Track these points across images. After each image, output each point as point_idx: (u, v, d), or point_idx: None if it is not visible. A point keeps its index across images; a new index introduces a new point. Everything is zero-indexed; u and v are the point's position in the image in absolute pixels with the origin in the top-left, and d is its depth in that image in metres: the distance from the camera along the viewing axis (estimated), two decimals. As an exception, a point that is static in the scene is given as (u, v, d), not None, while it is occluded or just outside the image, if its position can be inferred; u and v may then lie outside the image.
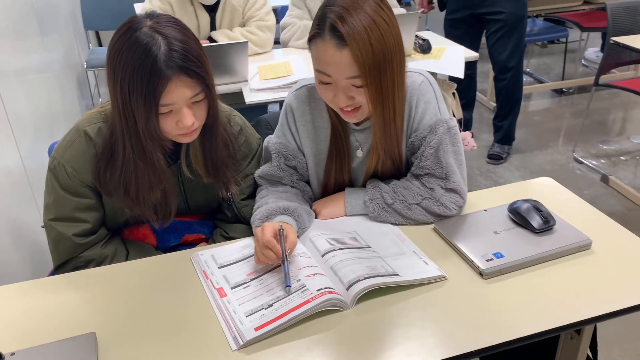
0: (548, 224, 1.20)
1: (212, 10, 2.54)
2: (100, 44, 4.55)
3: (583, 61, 4.76)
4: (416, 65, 1.32)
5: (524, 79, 3.28)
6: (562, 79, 4.38)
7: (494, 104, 3.48)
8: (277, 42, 2.78)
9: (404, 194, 1.28)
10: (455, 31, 3.13)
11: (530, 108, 4.05)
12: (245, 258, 1.20)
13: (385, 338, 0.97)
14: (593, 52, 4.77)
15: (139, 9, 2.94)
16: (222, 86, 2.19)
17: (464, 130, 3.33)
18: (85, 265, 1.25)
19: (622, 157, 3.28)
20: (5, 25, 2.15)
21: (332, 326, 1.01)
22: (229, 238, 1.36)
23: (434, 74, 1.32)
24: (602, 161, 3.24)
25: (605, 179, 3.02)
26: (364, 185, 1.34)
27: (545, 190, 1.41)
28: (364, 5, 1.09)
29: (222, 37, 2.53)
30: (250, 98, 2.12)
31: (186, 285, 1.13)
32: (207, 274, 1.15)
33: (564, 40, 4.53)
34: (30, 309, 1.09)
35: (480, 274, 1.11)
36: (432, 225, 1.28)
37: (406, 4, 5.32)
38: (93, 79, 3.87)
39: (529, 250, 1.15)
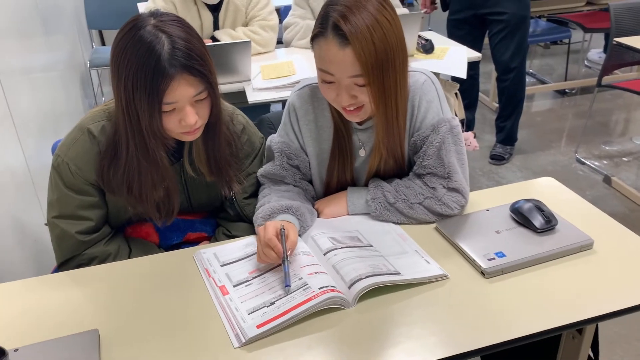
0: (550, 223, 1.21)
1: (215, 9, 2.54)
2: (103, 44, 4.56)
3: (586, 62, 4.76)
4: (419, 65, 1.32)
5: (527, 79, 3.28)
6: (565, 80, 4.37)
7: (497, 105, 3.48)
8: (279, 41, 2.78)
9: (406, 193, 1.28)
10: (458, 31, 3.13)
11: (532, 109, 4.05)
12: (248, 256, 1.20)
13: (386, 336, 0.98)
14: (596, 53, 4.77)
15: (143, 8, 2.95)
16: (225, 85, 2.19)
17: (467, 130, 3.33)
18: (88, 262, 1.26)
19: (624, 158, 3.27)
20: (10, 24, 2.16)
21: (334, 324, 1.01)
22: (232, 236, 1.36)
23: (436, 74, 1.33)
24: (605, 162, 3.24)
25: (607, 179, 3.01)
26: (366, 185, 1.34)
27: (547, 190, 1.41)
28: (367, 5, 1.10)
29: (225, 36, 2.53)
30: (252, 97, 2.12)
31: (188, 283, 1.14)
32: (209, 272, 1.15)
33: (566, 41, 4.52)
34: (33, 305, 1.09)
35: (482, 273, 1.12)
36: (434, 225, 1.28)
37: (409, 4, 5.32)
38: (96, 78, 3.89)
39: (530, 250, 1.15)
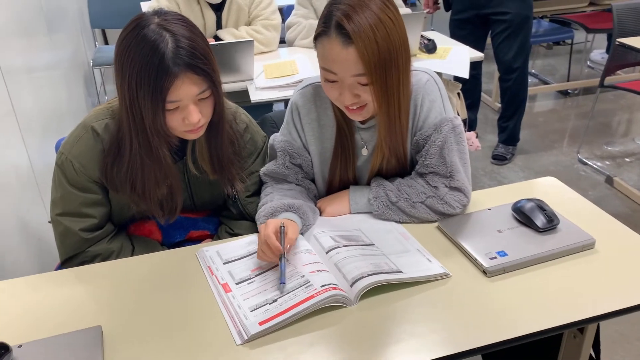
0: (552, 223, 1.21)
1: (218, 8, 2.55)
2: (106, 42, 4.57)
3: (588, 62, 4.75)
4: (421, 65, 1.32)
5: (529, 80, 3.28)
6: (568, 80, 4.37)
7: (499, 105, 3.48)
8: (282, 41, 2.79)
9: (408, 192, 1.28)
10: (461, 31, 3.13)
11: (535, 109, 4.05)
12: (250, 254, 1.20)
13: (388, 334, 0.98)
14: (598, 53, 4.76)
15: (146, 7, 2.95)
16: (228, 84, 2.20)
17: (469, 130, 3.33)
18: (92, 260, 1.27)
19: (626, 159, 3.27)
20: (14, 24, 2.17)
21: (336, 322, 1.01)
22: (234, 234, 1.37)
23: (439, 74, 1.33)
24: (607, 162, 3.23)
25: (609, 180, 3.01)
26: (368, 184, 1.35)
27: (549, 190, 1.41)
28: (370, 4, 1.10)
29: (228, 35, 2.54)
30: (255, 96, 2.13)
31: (191, 280, 1.14)
32: (212, 270, 1.16)
33: (569, 41, 4.51)
34: (36, 302, 1.10)
35: (484, 272, 1.12)
36: (436, 224, 1.28)
37: (411, 4, 5.32)
38: (99, 77, 3.89)
39: (532, 249, 1.15)
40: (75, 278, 1.17)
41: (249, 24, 2.64)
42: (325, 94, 1.24)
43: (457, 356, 0.95)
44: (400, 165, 1.34)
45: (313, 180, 1.40)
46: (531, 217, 1.22)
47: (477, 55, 2.55)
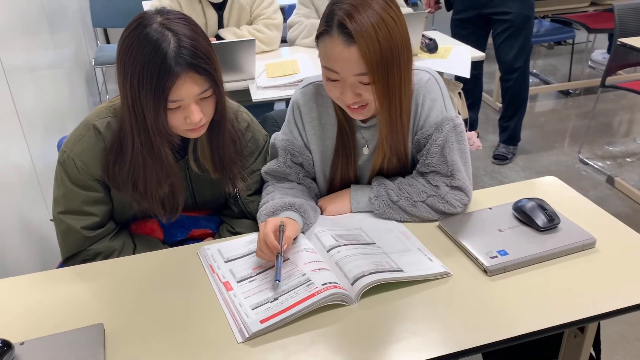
0: (552, 222, 1.21)
1: (219, 8, 2.55)
2: (108, 42, 4.57)
3: (590, 62, 4.75)
4: (422, 64, 1.32)
5: (530, 79, 3.28)
6: (569, 80, 4.37)
7: (500, 105, 3.48)
8: (284, 40, 2.79)
9: (409, 191, 1.28)
10: (462, 31, 3.13)
11: (536, 109, 4.05)
12: (251, 253, 1.21)
13: (389, 333, 0.98)
14: (600, 53, 4.76)
15: (147, 6, 2.96)
16: (229, 83, 2.20)
17: (470, 130, 3.33)
18: (93, 258, 1.27)
19: (627, 159, 3.27)
20: (16, 23, 2.17)
21: (337, 320, 1.02)
22: (235, 233, 1.37)
23: (440, 74, 1.33)
24: (608, 162, 3.23)
25: (610, 180, 3.01)
26: (369, 183, 1.35)
27: (550, 190, 1.41)
28: (372, 3, 1.10)
29: (229, 34, 2.54)
30: (257, 95, 2.13)
31: (193, 278, 1.15)
32: (213, 268, 1.16)
33: (570, 41, 4.51)
34: (39, 300, 1.10)
35: (485, 271, 1.12)
36: (437, 223, 1.29)
37: (413, 3, 5.32)
38: (101, 76, 3.90)
39: (533, 248, 1.16)
40: (77, 276, 1.18)
41: (250, 23, 2.64)
42: (326, 93, 1.24)
43: (457, 355, 0.95)
44: (402, 164, 1.34)
45: (314, 179, 1.41)
46: (532, 216, 1.22)
47: (479, 55, 2.55)
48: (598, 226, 1.23)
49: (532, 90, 3.67)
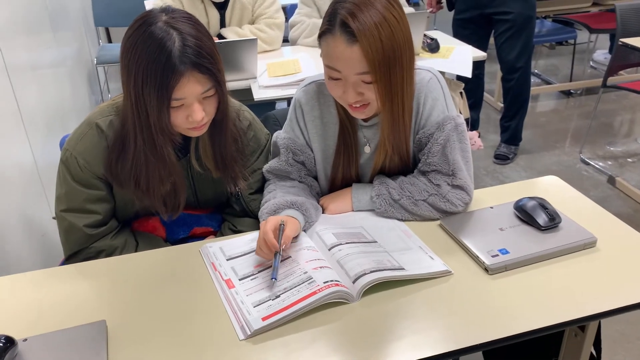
0: (554, 221, 1.21)
1: (221, 7, 2.56)
2: (110, 41, 4.58)
3: (591, 63, 4.75)
4: (424, 64, 1.32)
5: (532, 79, 3.28)
6: (570, 81, 4.37)
7: (501, 105, 3.48)
8: (285, 40, 2.79)
9: (410, 190, 1.29)
10: (464, 31, 3.13)
11: (537, 109, 4.05)
12: (253, 251, 1.21)
13: (390, 331, 0.99)
14: (601, 53, 4.76)
15: (149, 5, 2.96)
16: (231, 82, 2.20)
17: (471, 130, 3.33)
18: (96, 255, 1.27)
19: (629, 159, 3.27)
20: (19, 21, 2.18)
21: (338, 318, 1.02)
22: (237, 231, 1.38)
23: (442, 73, 1.33)
24: (609, 163, 3.23)
25: (612, 180, 3.01)
26: (371, 181, 1.35)
27: (552, 189, 1.42)
28: (375, 3, 1.11)
29: (231, 34, 2.54)
30: (258, 95, 2.13)
31: (195, 276, 1.15)
32: (215, 266, 1.17)
33: (572, 41, 4.52)
34: (41, 297, 1.11)
35: (486, 269, 1.12)
36: (438, 222, 1.29)
37: (414, 3, 5.32)
38: (103, 75, 3.91)
39: (534, 247, 1.16)
40: (80, 273, 1.18)
41: (252, 22, 2.65)
42: (328, 92, 1.24)
43: (458, 352, 0.95)
44: (403, 163, 1.34)
45: (316, 178, 1.41)
46: (533, 215, 1.22)
47: (480, 54, 2.56)
48: (599, 225, 1.23)
49: (533, 90, 3.67)
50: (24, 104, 2.00)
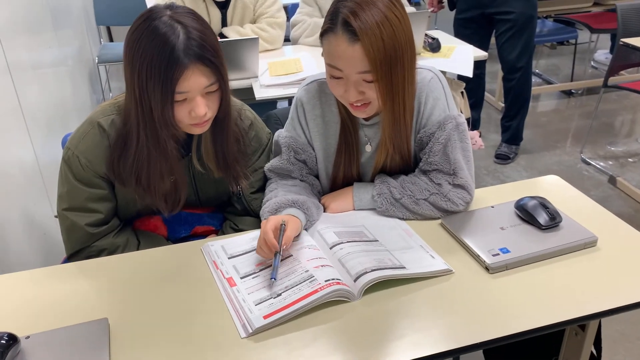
0: (554, 220, 1.22)
1: (223, 6, 2.56)
2: (111, 40, 4.59)
3: (592, 63, 4.75)
4: (425, 63, 1.33)
5: (533, 79, 3.28)
6: (571, 80, 4.37)
7: (502, 104, 3.48)
8: (287, 39, 2.80)
9: (411, 189, 1.29)
10: (465, 30, 3.13)
11: (538, 109, 4.05)
12: (254, 249, 1.21)
13: (391, 329, 0.99)
14: (602, 53, 4.76)
15: (151, 4, 2.96)
16: (233, 82, 2.20)
17: (472, 129, 3.33)
18: (98, 254, 1.28)
19: (630, 159, 3.27)
20: (20, 20, 2.18)
21: (339, 316, 1.02)
22: (239, 230, 1.38)
23: (443, 73, 1.34)
24: (610, 162, 3.24)
25: (612, 180, 3.01)
26: (372, 180, 1.35)
27: (552, 188, 1.42)
28: (377, 2, 1.11)
29: (232, 33, 2.55)
30: (260, 94, 2.14)
31: (196, 274, 1.15)
32: (217, 264, 1.17)
33: (573, 41, 4.52)
34: (44, 295, 1.11)
35: (486, 268, 1.13)
36: (439, 221, 1.29)
37: (416, 3, 5.32)
38: (104, 74, 3.91)
39: (534, 246, 1.16)
40: (82, 272, 1.18)
41: (254, 21, 2.65)
42: (329, 91, 1.25)
43: (459, 351, 0.96)
44: (404, 162, 1.35)
45: (317, 177, 1.41)
46: (534, 214, 1.23)
47: (481, 54, 2.56)
48: (600, 225, 1.24)
49: (534, 90, 3.67)
50: (25, 103, 2.00)
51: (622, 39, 2.83)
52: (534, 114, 3.89)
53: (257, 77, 2.27)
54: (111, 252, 1.29)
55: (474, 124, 3.41)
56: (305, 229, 1.26)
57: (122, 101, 1.24)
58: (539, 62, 4.86)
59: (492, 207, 1.31)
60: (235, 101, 1.35)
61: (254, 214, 1.40)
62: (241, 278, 1.12)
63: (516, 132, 3.31)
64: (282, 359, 0.94)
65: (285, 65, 2.35)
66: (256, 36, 2.35)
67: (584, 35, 4.52)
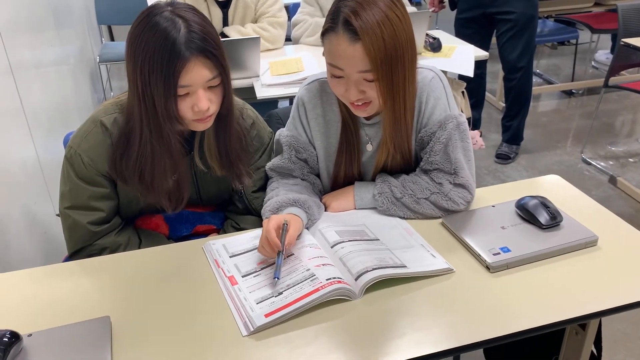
0: (555, 220, 1.22)
1: (224, 6, 2.56)
2: (112, 39, 4.59)
3: (593, 63, 4.75)
4: (426, 63, 1.33)
5: (534, 79, 3.28)
6: (572, 80, 4.37)
7: (503, 104, 3.48)
8: (288, 38, 2.80)
9: (412, 188, 1.29)
10: (466, 30, 3.14)
11: (539, 109, 4.05)
12: (256, 248, 1.21)
13: (392, 328, 0.99)
14: (603, 53, 4.76)
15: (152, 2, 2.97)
16: (234, 81, 2.18)
17: (473, 129, 3.33)
18: (99, 252, 1.28)
19: (630, 159, 3.27)
20: (22, 19, 2.18)
21: (340, 315, 1.03)
22: (240, 229, 1.38)
23: (444, 72, 1.34)
24: (611, 162, 3.24)
25: (613, 180, 3.02)
26: (373, 179, 1.36)
27: (553, 188, 1.42)
28: (378, 1, 1.11)
29: (234, 32, 2.55)
30: (261, 93, 2.14)
31: (198, 273, 1.16)
32: (218, 263, 1.17)
33: (574, 41, 4.52)
34: (46, 293, 1.11)
35: (487, 267, 1.13)
36: (440, 220, 1.29)
37: (417, 3, 5.32)
38: (105, 73, 3.92)
39: (535, 246, 1.16)
40: (83, 270, 1.19)
41: (255, 21, 2.66)
42: (331, 90, 1.25)
43: (459, 350, 0.96)
44: (405, 161, 1.35)
45: (318, 176, 1.42)
46: (535, 214, 1.23)
47: (482, 54, 2.56)
48: (600, 224, 1.24)
49: (535, 90, 3.68)
50: (27, 102, 2.01)
51: (622, 39, 2.83)
52: (534, 113, 3.89)
53: (258, 76, 2.27)
54: (113, 250, 1.29)
55: (474, 123, 3.41)
56: (307, 228, 1.27)
57: (124, 100, 1.24)
58: (540, 62, 4.86)
59: (493, 206, 1.31)
60: (237, 100, 1.36)
61: (255, 212, 1.40)
62: (242, 276, 1.12)
63: (517, 132, 3.31)
64: (284, 357, 0.94)
65: (287, 64, 2.36)
66: (257, 36, 2.35)
67: (584, 35, 4.52)
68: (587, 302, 1.04)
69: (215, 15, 2.56)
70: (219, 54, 1.13)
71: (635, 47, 2.76)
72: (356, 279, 1.08)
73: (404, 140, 1.30)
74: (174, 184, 1.26)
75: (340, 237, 1.21)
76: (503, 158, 3.29)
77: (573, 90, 4.26)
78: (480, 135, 3.22)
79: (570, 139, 3.56)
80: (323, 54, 1.21)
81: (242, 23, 2.62)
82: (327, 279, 1.06)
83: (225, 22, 2.60)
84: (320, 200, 1.36)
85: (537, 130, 3.67)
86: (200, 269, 1.17)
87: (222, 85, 1.18)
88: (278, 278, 1.08)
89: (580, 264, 1.14)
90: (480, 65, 3.12)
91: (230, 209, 1.45)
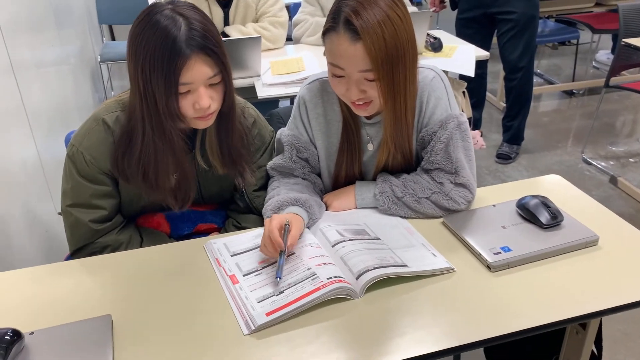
0: (556, 219, 1.22)
1: (225, 5, 2.57)
2: (113, 38, 4.59)
3: (594, 63, 4.75)
4: (427, 63, 1.33)
5: (534, 79, 3.28)
6: (573, 81, 4.37)
7: (504, 104, 3.48)
8: (289, 38, 2.80)
9: (413, 187, 1.29)
10: (467, 30, 3.14)
11: (540, 109, 4.05)
12: (257, 247, 1.21)
13: (393, 327, 0.99)
14: (604, 54, 4.76)
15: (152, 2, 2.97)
16: (235, 80, 2.18)
17: (473, 129, 3.34)
18: (101, 251, 1.28)
19: (631, 159, 3.27)
20: (24, 19, 2.18)
21: (341, 314, 1.03)
22: (241, 228, 1.39)
23: (444, 72, 1.34)
24: (611, 163, 3.24)
25: (613, 180, 3.02)
26: (374, 179, 1.36)
27: (554, 188, 1.42)
28: (379, 1, 1.11)
29: (235, 32, 2.55)
30: (262, 92, 2.14)
31: (199, 272, 1.16)
32: (219, 262, 1.17)
33: (575, 41, 4.52)
34: (47, 291, 1.12)
35: (488, 267, 1.13)
36: (441, 219, 1.30)
37: (417, 2, 5.32)
38: (106, 73, 3.92)
39: (536, 245, 1.17)
40: (85, 268, 1.19)
41: (256, 20, 2.66)
42: (332, 89, 1.25)
43: (460, 349, 0.96)
44: (406, 161, 1.35)
45: (319, 175, 1.42)
46: (535, 213, 1.23)
47: (483, 54, 2.56)
48: (601, 224, 1.24)
49: (536, 90, 3.68)
50: (28, 101, 2.01)
51: (623, 39, 2.83)
52: (535, 113, 3.90)
53: (259, 76, 2.27)
54: (114, 248, 1.29)
55: (475, 123, 3.41)
56: (308, 227, 1.27)
57: (126, 98, 1.24)
58: (541, 62, 4.86)
59: (494, 206, 1.32)
60: (239, 99, 1.36)
61: (256, 211, 1.41)
62: (244, 275, 1.12)
63: (517, 132, 3.31)
64: (285, 355, 0.94)
65: (288, 64, 2.36)
66: (258, 35, 2.36)
67: (585, 35, 4.53)
68: (588, 301, 1.04)
69: (216, 14, 2.56)
70: (220, 52, 1.14)
71: (636, 47, 2.76)
72: (357, 278, 1.08)
73: (404, 139, 1.30)
74: (178, 181, 1.26)
75: (341, 236, 1.21)
76: (504, 158, 3.29)
77: (574, 91, 4.26)
78: (481, 135, 3.23)
79: (571, 139, 3.56)
80: (324, 54, 1.21)
81: (243, 22, 2.63)
82: (328, 278, 1.06)
83: (226, 22, 2.60)
84: (321, 200, 1.36)
85: (538, 130, 3.67)
86: (201, 267, 1.17)
87: (223, 83, 1.18)
88: (280, 278, 1.08)
89: (580, 264, 1.14)
90: (481, 65, 3.12)
91: (232, 208, 1.46)
